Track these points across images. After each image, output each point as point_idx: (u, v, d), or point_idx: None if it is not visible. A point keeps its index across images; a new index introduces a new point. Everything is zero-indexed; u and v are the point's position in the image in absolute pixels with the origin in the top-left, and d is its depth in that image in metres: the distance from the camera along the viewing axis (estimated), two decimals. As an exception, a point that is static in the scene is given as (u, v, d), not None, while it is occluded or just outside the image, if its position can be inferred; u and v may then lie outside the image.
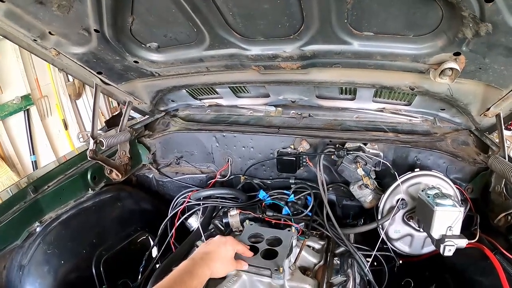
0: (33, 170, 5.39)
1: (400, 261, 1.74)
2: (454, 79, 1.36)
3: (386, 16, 1.19)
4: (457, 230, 1.42)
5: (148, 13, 1.38)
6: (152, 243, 2.09)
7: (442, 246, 1.41)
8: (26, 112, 5.23)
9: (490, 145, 1.77)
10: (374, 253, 1.63)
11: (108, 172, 2.18)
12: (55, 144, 5.81)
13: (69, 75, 5.88)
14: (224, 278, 1.35)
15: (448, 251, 1.40)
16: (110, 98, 6.98)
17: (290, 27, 1.32)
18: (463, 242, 1.42)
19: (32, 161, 5.37)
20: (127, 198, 2.22)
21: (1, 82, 4.85)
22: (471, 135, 1.94)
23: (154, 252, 2.00)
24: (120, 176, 2.21)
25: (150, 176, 2.42)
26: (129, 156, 2.28)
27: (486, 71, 1.37)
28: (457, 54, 1.27)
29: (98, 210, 2.05)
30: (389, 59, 1.41)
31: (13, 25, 1.54)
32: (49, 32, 1.60)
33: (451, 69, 1.31)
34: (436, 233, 1.41)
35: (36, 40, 1.64)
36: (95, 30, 1.53)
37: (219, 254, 1.25)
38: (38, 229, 1.82)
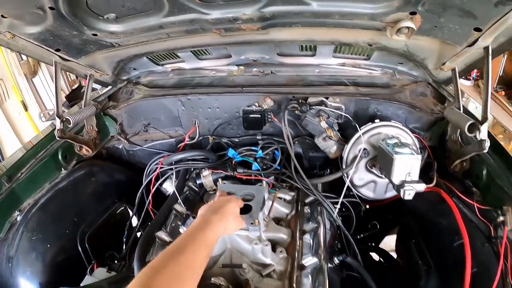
0: (-1, 157, 5.31)
1: (367, 206, 1.88)
2: (410, 36, 1.45)
3: None
4: (415, 176, 1.55)
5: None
6: (131, 213, 2.16)
7: (402, 191, 1.54)
8: (-18, 99, 5.10)
9: (447, 96, 1.89)
10: (340, 200, 1.73)
11: (78, 149, 2.18)
12: (17, 128, 5.80)
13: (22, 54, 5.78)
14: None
15: (408, 195, 1.54)
16: (67, 72, 6.88)
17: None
18: (421, 187, 1.55)
19: (-5, 148, 5.45)
20: (100, 172, 2.25)
21: None
22: (429, 86, 2.05)
23: (134, 221, 2.06)
24: (91, 151, 2.21)
25: (120, 147, 2.42)
26: (96, 130, 2.28)
27: (441, 29, 1.46)
28: (413, 13, 1.34)
29: (74, 188, 2.07)
30: (348, 18, 1.47)
31: None
32: (2, 16, 1.56)
33: (407, 27, 1.38)
34: (396, 179, 1.53)
35: None
36: (50, 8, 1.49)
37: (230, 210, 1.26)
38: (18, 218, 1.83)
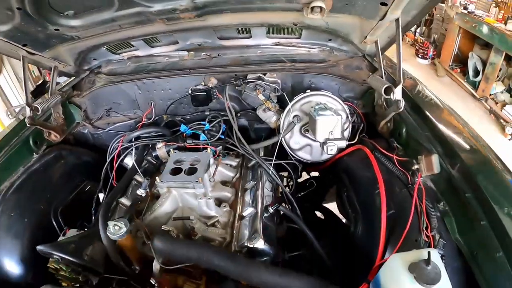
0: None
1: (301, 165, 2.15)
2: (324, 14, 1.67)
3: None
4: (337, 134, 1.84)
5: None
6: (97, 190, 2.31)
7: (325, 147, 1.83)
8: None
9: (377, 67, 2.08)
10: (273, 160, 1.98)
11: (47, 135, 2.35)
12: None
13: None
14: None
15: (331, 151, 1.83)
16: (31, 69, 6.87)
17: (182, -16, 1.59)
18: (342, 143, 1.84)
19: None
20: (69, 155, 2.39)
21: None
22: (365, 61, 2.29)
23: (101, 196, 2.26)
24: (59, 137, 2.38)
25: (85, 131, 2.60)
26: (63, 117, 2.45)
27: (353, 6, 1.69)
28: None
29: (45, 170, 2.21)
30: (268, 2, 1.72)
31: None
32: None
33: (319, 7, 1.61)
34: (320, 137, 1.82)
35: None
36: (18, 8, 1.67)
37: None
38: None
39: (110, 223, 1.45)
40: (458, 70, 7.52)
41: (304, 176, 2.53)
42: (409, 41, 9.67)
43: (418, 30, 9.34)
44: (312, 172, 2.55)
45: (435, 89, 6.57)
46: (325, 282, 1.32)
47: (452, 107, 2.02)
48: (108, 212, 1.73)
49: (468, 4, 7.29)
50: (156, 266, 1.41)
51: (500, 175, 1.43)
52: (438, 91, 6.33)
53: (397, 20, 1.65)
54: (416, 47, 8.88)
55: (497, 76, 6.28)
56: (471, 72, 6.99)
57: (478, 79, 6.76)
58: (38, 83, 6.23)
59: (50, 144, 2.39)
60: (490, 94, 6.37)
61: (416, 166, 1.54)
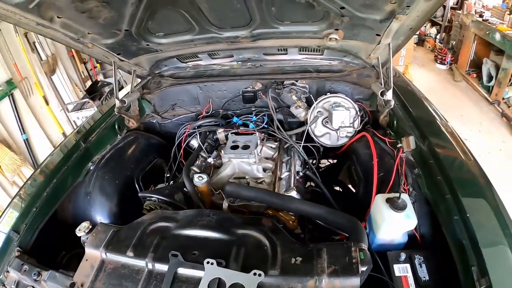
0: (27, 147, 6.12)
1: (322, 148, 2.86)
2: (338, 42, 2.46)
3: (295, 14, 2.29)
4: (347, 123, 2.63)
5: (162, 19, 2.37)
6: (164, 165, 3.08)
7: (339, 132, 2.63)
8: (10, 96, 5.91)
9: (382, 76, 2.68)
10: (302, 143, 2.73)
11: (127, 122, 3.13)
12: (40, 120, 6.60)
13: (41, 55, 6.62)
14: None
15: (342, 135, 2.62)
16: (81, 70, 7.79)
17: (245, 22, 2.38)
18: (350, 129, 2.62)
19: (24, 140, 6.16)
20: (143, 138, 3.11)
21: None
22: (374, 70, 2.95)
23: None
24: (135, 124, 3.16)
25: (154, 121, 3.32)
26: (138, 109, 3.25)
27: (358, 35, 2.43)
28: (336, 29, 2.36)
29: (127, 147, 2.93)
30: (301, 34, 2.52)
31: (65, 31, 2.30)
32: (88, 33, 2.41)
33: (334, 38, 2.42)
34: (335, 125, 2.62)
35: (78, 40, 2.44)
36: (125, 30, 2.43)
37: None
38: (92, 167, 2.62)
39: (195, 175, 2.22)
40: (474, 75, 8.00)
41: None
42: (429, 47, 10.19)
43: (438, 37, 9.86)
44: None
45: (451, 93, 7.45)
46: (339, 212, 1.91)
47: (430, 102, 2.76)
48: (190, 170, 2.53)
49: (484, 12, 7.70)
50: (225, 204, 2.20)
51: (451, 145, 2.11)
52: (454, 95, 7.43)
53: (389, 44, 2.37)
54: (435, 53, 9.40)
55: (509, 81, 6.73)
56: (485, 77, 7.48)
57: (491, 83, 7.25)
58: (92, 83, 7.32)
59: (129, 129, 3.15)
60: (503, 98, 6.85)
61: (399, 145, 2.13)
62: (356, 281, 1.44)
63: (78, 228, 1.93)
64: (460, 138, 2.24)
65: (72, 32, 2.37)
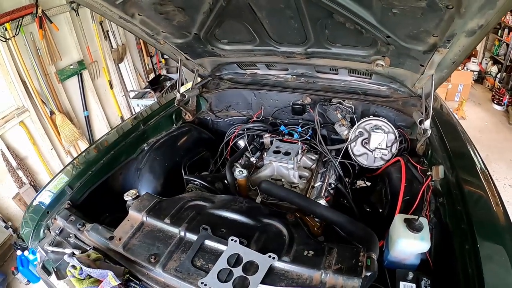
0: (86, 124, 6.72)
1: (357, 167, 3.03)
2: (385, 68, 2.68)
3: (346, 38, 2.53)
4: (383, 146, 2.80)
5: (228, 28, 2.68)
6: (210, 159, 3.37)
7: (374, 153, 2.82)
8: (79, 75, 6.46)
9: (426, 106, 2.68)
10: (339, 159, 2.93)
11: (184, 114, 3.50)
12: (103, 101, 7.15)
13: (112, 43, 7.16)
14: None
15: (377, 155, 2.81)
16: (146, 63, 8.33)
17: (301, 40, 2.65)
18: (385, 152, 2.80)
19: (85, 116, 6.69)
20: (195, 131, 3.46)
21: (60, 50, 5.90)
22: (420, 100, 2.94)
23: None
24: (191, 117, 3.53)
25: (208, 118, 3.68)
26: (195, 105, 3.61)
27: (403, 64, 2.63)
28: (383, 56, 2.58)
29: (181, 137, 3.28)
30: (351, 57, 2.74)
31: (143, 27, 2.69)
32: (162, 31, 2.81)
33: (381, 64, 2.64)
34: (372, 146, 2.82)
35: (153, 36, 2.83)
36: (195, 34, 2.78)
37: None
38: (146, 148, 2.99)
39: (237, 169, 2.51)
40: None
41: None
42: (488, 86, 9.89)
43: (498, 76, 9.61)
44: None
45: (504, 136, 7.64)
46: (359, 223, 1.98)
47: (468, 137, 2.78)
48: (233, 165, 2.80)
49: None
50: (258, 199, 2.46)
51: (478, 180, 2.13)
52: (505, 138, 7.55)
53: (432, 75, 2.49)
54: (493, 92, 9.13)
55: None
56: None
57: None
58: (155, 76, 7.86)
59: (184, 121, 3.51)
60: None
61: (429, 173, 2.32)
62: (357, 282, 1.60)
63: (126, 194, 2.29)
64: (490, 176, 2.28)
65: (148, 29, 2.76)
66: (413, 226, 1.85)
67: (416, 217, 1.88)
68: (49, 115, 5.82)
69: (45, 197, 2.43)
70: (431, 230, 1.99)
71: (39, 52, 5.59)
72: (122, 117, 7.62)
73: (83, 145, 6.40)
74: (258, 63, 3.37)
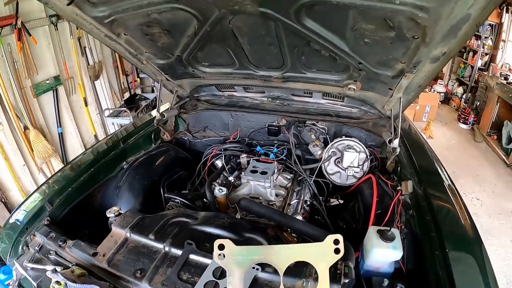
0: (60, 141, 6.64)
1: (331, 185, 3.17)
2: (356, 91, 2.86)
3: (321, 64, 2.70)
4: (355, 164, 2.95)
5: (210, 51, 2.80)
6: (187, 179, 3.46)
7: (347, 171, 2.96)
8: (55, 91, 6.41)
9: (394, 126, 2.85)
10: (314, 177, 3.05)
11: (162, 134, 3.56)
12: (77, 118, 7.12)
13: (89, 59, 7.15)
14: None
15: (350, 174, 2.96)
16: (122, 81, 8.36)
17: (278, 65, 2.80)
18: (357, 170, 2.95)
19: (58, 133, 6.62)
20: (173, 150, 3.51)
21: (37, 64, 5.84)
22: (389, 121, 3.02)
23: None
24: (169, 137, 3.59)
25: (186, 138, 3.75)
26: (174, 125, 3.69)
27: (374, 87, 2.82)
28: (355, 80, 2.76)
29: (159, 156, 3.32)
30: (324, 81, 2.91)
31: (127, 47, 2.73)
32: (145, 51, 2.85)
33: (353, 88, 2.82)
34: (344, 165, 2.96)
35: (136, 56, 2.87)
36: (177, 55, 2.87)
37: None
38: (125, 166, 3.01)
39: (216, 187, 2.63)
40: (495, 137, 8.15)
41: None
42: (454, 106, 10.42)
43: (464, 96, 10.09)
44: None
45: (470, 153, 8.06)
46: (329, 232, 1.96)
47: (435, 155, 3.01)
48: (212, 184, 2.88)
49: (509, 75, 8.02)
50: (238, 216, 2.56)
51: (444, 192, 2.36)
52: (472, 155, 8.05)
53: (400, 98, 2.68)
54: (459, 112, 9.61)
55: None
56: (504, 140, 7.63)
57: (510, 146, 7.40)
58: (131, 95, 7.93)
59: (163, 140, 3.58)
60: None
61: (399, 188, 2.46)
62: None
63: (108, 211, 2.30)
64: (456, 189, 2.48)
65: (132, 48, 2.82)
66: (385, 236, 1.98)
67: (388, 228, 2.01)
68: (23, 130, 5.76)
69: (22, 214, 2.43)
70: (403, 240, 2.12)
71: (16, 64, 5.55)
72: (96, 135, 7.60)
73: (56, 162, 6.34)
74: (236, 85, 3.50)
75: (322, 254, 1.67)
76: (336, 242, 1.66)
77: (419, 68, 2.27)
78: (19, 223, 2.36)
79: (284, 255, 1.71)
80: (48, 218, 2.37)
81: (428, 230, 2.07)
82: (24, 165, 5.84)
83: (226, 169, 3.24)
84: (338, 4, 1.85)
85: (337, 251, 1.65)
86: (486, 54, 9.75)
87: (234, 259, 1.68)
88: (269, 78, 3.05)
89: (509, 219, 5.89)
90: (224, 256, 1.66)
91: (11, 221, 2.42)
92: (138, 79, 9.59)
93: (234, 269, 1.68)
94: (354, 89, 2.85)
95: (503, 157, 7.57)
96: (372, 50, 2.30)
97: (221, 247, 1.67)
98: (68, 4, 2.17)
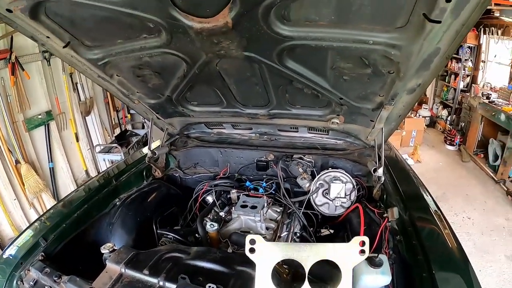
0: (51, 175, 6.68)
1: (320, 216, 3.24)
2: (340, 125, 3.00)
3: (304, 101, 2.84)
4: (342, 195, 3.03)
5: (198, 92, 2.92)
6: (179, 215, 3.51)
7: (334, 201, 3.04)
8: (47, 125, 6.55)
9: (379, 155, 2.94)
10: (302, 209, 3.11)
11: (154, 171, 3.62)
12: (68, 154, 7.21)
13: (81, 95, 7.29)
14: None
15: (337, 204, 3.04)
16: (112, 117, 8.48)
17: (264, 103, 2.95)
18: (345, 200, 3.03)
19: (50, 168, 6.69)
20: (165, 187, 3.57)
21: (30, 99, 6.02)
22: (374, 150, 3.18)
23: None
24: (160, 174, 3.65)
25: (176, 175, 3.82)
26: (165, 162, 3.76)
27: (356, 120, 2.97)
28: (338, 114, 2.90)
29: (151, 193, 3.37)
30: (309, 116, 3.06)
31: (119, 87, 2.82)
32: (137, 92, 2.96)
33: (336, 122, 2.96)
34: (332, 195, 3.05)
35: (128, 95, 2.98)
36: (167, 95, 2.98)
37: None
38: (118, 203, 3.02)
39: (208, 223, 2.70)
40: (482, 155, 8.40)
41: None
42: (440, 129, 10.72)
43: (449, 119, 10.38)
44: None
45: (459, 173, 8.26)
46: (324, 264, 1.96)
47: (421, 181, 3.09)
48: (204, 219, 2.94)
49: (491, 94, 8.37)
50: (229, 250, 2.60)
51: (429, 216, 2.45)
52: (461, 176, 8.21)
53: (382, 128, 2.84)
54: (445, 134, 9.88)
55: None
56: (491, 157, 7.93)
57: (497, 163, 7.64)
58: (122, 131, 8.04)
59: (154, 177, 3.64)
60: (509, 177, 7.13)
61: (385, 215, 2.52)
62: None
63: (103, 247, 2.34)
64: (441, 213, 2.54)
65: (124, 89, 2.93)
66: (374, 263, 2.03)
67: (376, 254, 2.06)
68: (15, 164, 5.81)
69: (16, 249, 2.43)
70: (392, 265, 2.18)
71: (9, 98, 5.66)
72: (87, 171, 7.67)
73: (47, 197, 6.37)
74: (224, 123, 3.62)
75: (348, 254, 1.77)
76: (362, 243, 1.76)
77: (397, 100, 2.40)
78: (12, 258, 2.37)
79: (311, 253, 1.80)
80: (43, 253, 2.37)
81: (415, 253, 2.13)
82: (15, 199, 5.87)
83: (217, 204, 3.31)
84: (316, 47, 2.00)
85: (362, 252, 1.75)
86: (468, 75, 10.14)
87: (263, 254, 1.78)
88: (256, 115, 3.18)
89: (501, 235, 5.99)
90: (254, 250, 1.77)
91: (4, 256, 2.42)
92: (129, 115, 9.72)
93: (262, 263, 1.79)
94: (337, 122, 3.00)
95: (491, 174, 7.76)
96: (351, 86, 2.46)
97: (252, 241, 1.78)
98: (64, 47, 2.28)
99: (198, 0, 1.73)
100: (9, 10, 1.88)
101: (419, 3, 1.53)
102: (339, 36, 1.89)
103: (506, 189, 7.12)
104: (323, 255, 1.80)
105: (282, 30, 1.89)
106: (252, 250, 1.77)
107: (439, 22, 1.56)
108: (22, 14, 1.93)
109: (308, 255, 1.79)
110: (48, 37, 2.18)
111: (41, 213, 5.96)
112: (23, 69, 5.73)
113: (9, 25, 2.06)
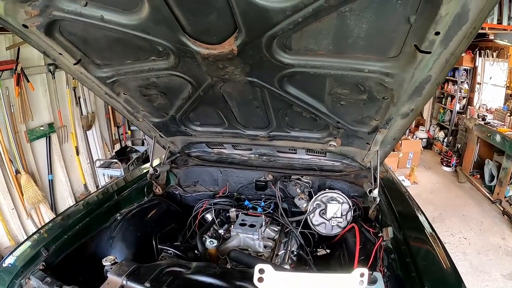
0: (49, 187, 6.76)
1: (317, 235, 3.29)
2: (337, 147, 3.11)
3: (303, 124, 2.96)
4: (339, 215, 3.11)
5: (201, 112, 3.04)
6: (178, 232, 3.53)
7: (331, 221, 3.12)
8: (48, 137, 6.64)
9: (375, 177, 3.00)
10: (299, 228, 3.17)
11: (155, 188, 3.70)
12: (68, 167, 7.28)
13: (83, 110, 7.39)
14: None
15: (334, 224, 3.12)
16: (113, 132, 8.58)
17: (264, 125, 3.06)
18: (341, 220, 3.11)
19: (49, 180, 6.77)
20: (165, 204, 3.61)
21: (33, 110, 6.11)
22: (370, 171, 3.20)
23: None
24: (161, 191, 3.73)
25: (177, 192, 3.88)
26: (165, 179, 3.86)
27: (353, 143, 3.08)
28: (335, 137, 3.01)
29: (151, 209, 3.40)
30: (307, 139, 3.17)
31: (125, 105, 2.93)
32: (142, 110, 3.08)
33: (334, 144, 3.07)
34: (329, 216, 3.12)
35: (133, 113, 3.07)
36: (171, 115, 3.08)
37: None
38: (119, 217, 3.05)
39: (208, 239, 2.78)
40: (478, 176, 8.43)
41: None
42: (437, 150, 10.79)
43: (445, 140, 10.51)
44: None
45: (455, 194, 8.46)
46: None
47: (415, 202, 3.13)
48: (203, 237, 3.02)
49: (486, 115, 8.46)
50: (228, 267, 2.68)
51: (423, 234, 2.50)
52: (457, 196, 8.27)
53: (377, 150, 2.93)
54: (442, 155, 9.94)
55: (510, 180, 7.06)
56: (487, 177, 7.95)
57: (493, 183, 7.65)
58: (122, 147, 8.11)
59: (155, 194, 3.71)
60: (505, 197, 7.14)
61: (380, 234, 2.60)
62: None
63: (104, 259, 2.36)
64: (435, 232, 2.58)
65: (130, 107, 3.03)
66: (369, 280, 2.06)
67: (371, 272, 2.08)
68: (15, 174, 5.86)
69: (15, 258, 2.44)
70: (386, 282, 2.23)
71: (12, 108, 5.74)
72: (85, 185, 7.72)
73: (45, 209, 6.42)
74: (225, 143, 3.72)
75: (348, 284, 1.82)
76: (361, 275, 1.81)
77: (392, 124, 2.52)
78: (11, 266, 2.38)
79: (314, 282, 1.86)
80: (43, 263, 2.39)
81: (409, 271, 2.17)
82: (13, 209, 5.91)
83: (216, 222, 3.39)
84: (315, 74, 2.13)
85: (361, 283, 1.80)
86: (464, 97, 10.29)
87: (272, 284, 1.83)
88: (256, 137, 3.29)
89: (497, 254, 6.02)
90: (262, 279, 1.82)
91: (4, 264, 2.43)
92: (129, 131, 9.83)
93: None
94: (334, 145, 3.11)
95: (487, 194, 7.78)
96: (348, 110, 2.59)
97: (262, 271, 1.83)
98: (75, 64, 2.38)
99: (206, 28, 1.84)
100: (25, 26, 1.97)
101: (411, 35, 1.66)
102: (337, 65, 2.02)
103: (502, 209, 7.17)
104: (325, 285, 1.86)
105: (284, 58, 2.02)
106: (260, 280, 1.82)
107: (429, 52, 1.69)
108: (38, 31, 2.02)
109: (312, 284, 1.85)
110: (60, 53, 2.28)
111: (38, 224, 6.17)
112: (28, 81, 5.85)
113: (24, 40, 2.15)
